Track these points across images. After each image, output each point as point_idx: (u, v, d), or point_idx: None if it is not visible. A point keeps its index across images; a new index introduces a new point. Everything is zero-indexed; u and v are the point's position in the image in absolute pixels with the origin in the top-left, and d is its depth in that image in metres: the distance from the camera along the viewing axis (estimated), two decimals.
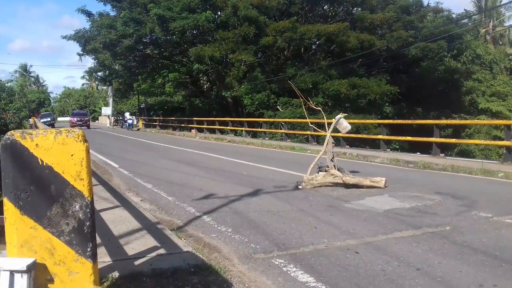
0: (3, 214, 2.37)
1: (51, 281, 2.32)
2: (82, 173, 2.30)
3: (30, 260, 2.21)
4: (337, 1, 30.28)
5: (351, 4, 30.73)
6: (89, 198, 2.32)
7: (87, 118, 46.67)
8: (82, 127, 40.67)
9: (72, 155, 2.29)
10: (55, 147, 2.28)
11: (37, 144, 2.26)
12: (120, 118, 50.84)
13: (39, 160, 2.26)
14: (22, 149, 2.24)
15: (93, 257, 2.34)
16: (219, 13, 30.15)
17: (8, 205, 2.27)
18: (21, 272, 2.14)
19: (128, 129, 38.22)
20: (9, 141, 2.24)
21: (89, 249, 2.32)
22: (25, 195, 2.26)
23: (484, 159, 15.73)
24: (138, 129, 39.02)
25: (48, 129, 2.40)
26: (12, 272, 2.14)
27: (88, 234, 2.31)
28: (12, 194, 2.25)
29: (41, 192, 2.27)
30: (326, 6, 32.92)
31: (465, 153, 27.23)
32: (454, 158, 14.03)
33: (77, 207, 2.30)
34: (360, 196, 7.21)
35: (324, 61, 28.58)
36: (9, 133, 2.28)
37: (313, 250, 4.49)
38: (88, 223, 2.32)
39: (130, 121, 39.48)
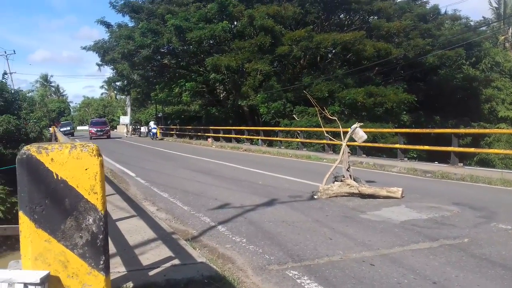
0: (16, 224, 2.41)
1: None
2: (96, 187, 2.33)
3: (44, 273, 2.23)
4: (353, 10, 30.16)
5: (367, 13, 30.63)
6: (102, 212, 2.35)
7: (107, 128, 43.24)
8: (103, 138, 39.54)
9: (86, 169, 2.32)
10: (70, 162, 2.31)
11: (52, 159, 2.30)
12: (138, 127, 51.00)
13: (54, 174, 2.30)
14: (37, 163, 2.28)
15: (106, 270, 2.36)
16: (235, 23, 30.32)
17: (23, 218, 2.31)
18: (35, 284, 2.17)
19: (152, 139, 37.24)
20: (25, 156, 2.28)
21: (102, 262, 2.34)
22: (40, 208, 2.29)
23: (504, 169, 15.44)
24: (162, 139, 37.80)
25: (63, 143, 2.44)
26: (26, 285, 2.17)
27: (101, 247, 2.34)
28: (27, 207, 2.29)
29: (55, 205, 2.30)
30: (342, 15, 32.90)
31: (484, 162, 26.72)
32: (473, 168, 13.81)
33: (90, 220, 2.33)
34: (376, 207, 7.14)
35: (340, 70, 28.47)
36: (25, 147, 2.33)
37: (328, 262, 4.46)
38: (101, 236, 2.34)
39: (154, 130, 38.01)
